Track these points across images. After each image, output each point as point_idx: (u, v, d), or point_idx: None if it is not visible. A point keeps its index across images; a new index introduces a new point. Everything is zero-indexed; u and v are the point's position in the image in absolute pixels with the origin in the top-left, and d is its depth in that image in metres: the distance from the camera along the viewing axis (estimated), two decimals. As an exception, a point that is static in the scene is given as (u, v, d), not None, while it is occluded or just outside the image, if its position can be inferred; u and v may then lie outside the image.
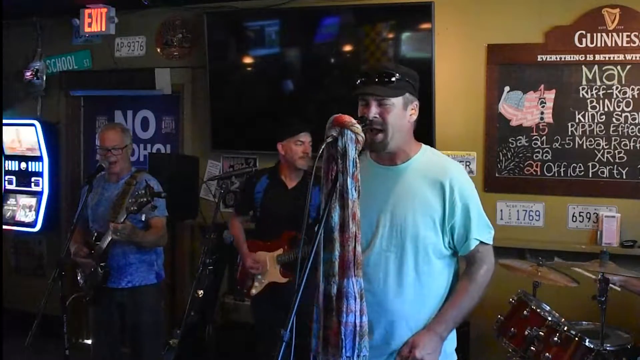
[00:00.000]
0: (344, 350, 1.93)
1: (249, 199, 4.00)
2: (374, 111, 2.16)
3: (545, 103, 4.34)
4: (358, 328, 1.95)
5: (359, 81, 2.22)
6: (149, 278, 3.89)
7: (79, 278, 3.91)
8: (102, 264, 3.72)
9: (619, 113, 4.20)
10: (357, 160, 1.96)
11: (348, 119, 1.96)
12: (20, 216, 5.80)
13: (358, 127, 1.96)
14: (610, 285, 3.32)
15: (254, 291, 3.93)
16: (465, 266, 2.33)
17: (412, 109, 2.24)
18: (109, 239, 3.65)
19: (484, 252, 2.28)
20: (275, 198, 3.90)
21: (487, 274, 2.29)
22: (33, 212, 5.73)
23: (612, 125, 4.21)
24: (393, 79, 2.16)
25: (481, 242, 2.25)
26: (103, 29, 5.14)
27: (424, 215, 2.20)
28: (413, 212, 2.19)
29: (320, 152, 1.94)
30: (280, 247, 3.88)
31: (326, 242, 1.97)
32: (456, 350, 2.35)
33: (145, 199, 3.53)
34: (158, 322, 4.01)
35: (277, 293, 3.84)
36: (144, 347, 3.91)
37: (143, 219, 3.73)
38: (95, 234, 3.79)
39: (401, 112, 2.19)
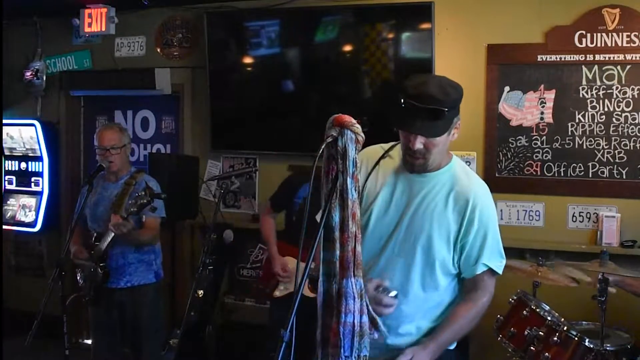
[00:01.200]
0: (342, 350, 1.92)
1: (287, 200, 3.92)
2: (419, 143, 2.11)
3: (545, 103, 4.34)
4: (357, 328, 1.94)
5: (402, 102, 2.10)
6: (148, 277, 3.89)
7: (78, 278, 3.91)
8: (101, 264, 3.72)
9: (619, 113, 4.20)
10: (357, 160, 1.96)
11: (348, 119, 1.95)
12: (20, 216, 5.80)
13: (358, 127, 1.95)
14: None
15: (277, 293, 3.87)
16: (464, 290, 2.29)
17: (456, 128, 2.19)
18: (109, 239, 3.65)
19: (489, 282, 2.24)
20: (315, 209, 3.83)
21: (487, 304, 2.26)
22: (33, 212, 5.74)
23: (612, 125, 4.21)
24: (442, 115, 2.08)
25: (489, 270, 2.21)
26: (103, 29, 5.14)
27: (441, 228, 2.18)
28: (430, 222, 2.18)
29: (319, 151, 1.94)
30: (313, 260, 3.84)
31: (327, 243, 1.97)
32: (456, 350, 2.34)
33: (145, 200, 3.54)
34: (158, 321, 4.02)
35: (301, 303, 3.80)
36: (144, 346, 3.91)
37: (143, 219, 3.74)
38: (95, 235, 3.79)
39: (445, 138, 2.15)
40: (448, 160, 2.26)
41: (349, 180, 1.93)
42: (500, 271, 2.24)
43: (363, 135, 1.97)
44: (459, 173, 2.25)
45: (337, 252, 1.96)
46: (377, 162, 2.31)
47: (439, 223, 2.18)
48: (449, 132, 2.15)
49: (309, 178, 4.03)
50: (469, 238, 2.18)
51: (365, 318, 1.95)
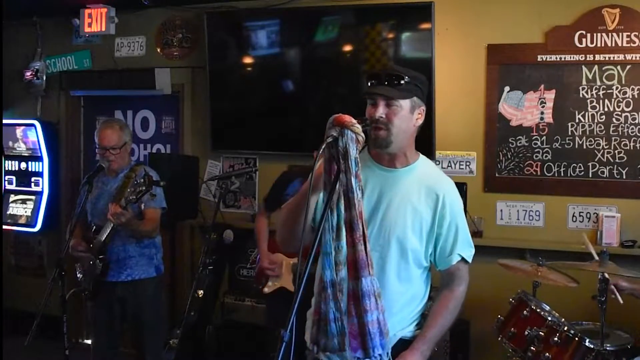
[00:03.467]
0: (373, 350, 1.96)
1: (278, 198, 3.90)
2: (381, 111, 2.18)
3: (545, 103, 4.34)
4: (383, 325, 1.99)
5: (369, 83, 2.24)
6: (149, 271, 3.89)
7: (77, 273, 3.91)
8: (100, 256, 3.72)
9: (619, 113, 4.20)
10: (359, 159, 1.96)
11: (348, 118, 1.96)
12: (21, 216, 5.80)
13: (358, 127, 1.96)
14: (620, 290, 3.32)
15: (266, 290, 3.92)
16: (441, 284, 2.38)
17: (419, 114, 2.26)
18: (108, 230, 3.66)
19: (464, 271, 2.35)
20: None
21: (464, 292, 2.36)
22: (33, 212, 5.74)
23: (612, 125, 4.21)
24: (402, 81, 2.18)
25: (462, 259, 2.32)
26: (103, 29, 5.15)
27: (414, 222, 2.25)
28: (404, 216, 2.24)
29: (319, 152, 1.94)
30: (297, 255, 3.84)
31: (335, 234, 1.97)
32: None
33: (143, 188, 3.52)
34: (159, 315, 4.01)
35: (289, 298, 3.81)
36: (146, 340, 3.90)
37: (143, 207, 3.72)
38: (94, 228, 3.79)
39: (408, 114, 2.22)
40: (416, 158, 2.33)
41: (353, 180, 1.94)
42: (470, 260, 2.35)
43: (363, 135, 1.98)
44: (427, 169, 2.34)
45: (344, 242, 1.95)
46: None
47: (413, 215, 2.25)
48: (411, 110, 2.22)
49: (298, 175, 4.01)
50: (442, 231, 2.27)
51: (383, 316, 1.99)
